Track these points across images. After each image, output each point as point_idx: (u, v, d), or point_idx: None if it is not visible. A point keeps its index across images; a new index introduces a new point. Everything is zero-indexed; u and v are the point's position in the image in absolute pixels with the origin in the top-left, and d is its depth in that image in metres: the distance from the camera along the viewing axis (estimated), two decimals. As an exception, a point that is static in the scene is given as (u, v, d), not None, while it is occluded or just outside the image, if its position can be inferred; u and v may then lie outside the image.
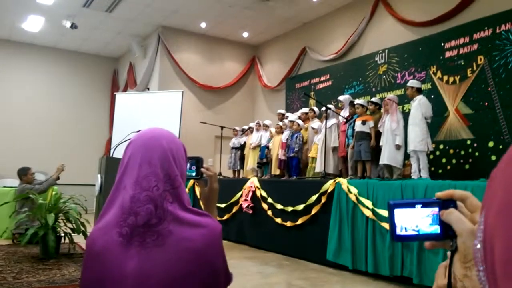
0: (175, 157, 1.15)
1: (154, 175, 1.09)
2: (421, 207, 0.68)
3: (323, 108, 7.14)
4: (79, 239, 5.89)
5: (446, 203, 0.66)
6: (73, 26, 10.63)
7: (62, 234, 5.73)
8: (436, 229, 0.67)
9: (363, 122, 6.30)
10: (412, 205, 0.68)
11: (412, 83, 6.03)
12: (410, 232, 0.68)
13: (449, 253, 0.68)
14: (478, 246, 0.45)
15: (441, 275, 0.71)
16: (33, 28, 11.51)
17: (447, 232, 0.65)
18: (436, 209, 0.67)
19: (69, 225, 5.76)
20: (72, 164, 12.69)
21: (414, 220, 0.68)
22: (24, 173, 6.99)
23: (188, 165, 1.35)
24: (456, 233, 0.63)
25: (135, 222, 1.07)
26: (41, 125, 12.78)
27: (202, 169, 1.38)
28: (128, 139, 1.23)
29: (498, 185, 0.41)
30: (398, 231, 0.68)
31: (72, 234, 5.70)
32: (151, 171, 1.10)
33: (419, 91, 5.93)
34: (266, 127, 8.66)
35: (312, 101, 9.75)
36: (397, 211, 0.68)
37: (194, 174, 1.38)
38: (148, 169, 1.10)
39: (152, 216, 1.07)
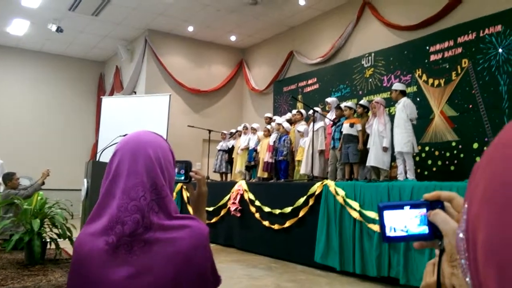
0: (162, 165, 1.14)
1: (142, 185, 1.09)
2: (410, 208, 0.70)
3: (310, 111, 7.18)
4: (65, 245, 5.82)
5: (434, 204, 0.68)
6: (59, 29, 10.53)
7: (48, 240, 5.65)
8: (425, 229, 0.68)
9: (351, 125, 6.35)
10: (400, 206, 0.70)
11: (397, 86, 6.11)
12: (399, 233, 0.70)
13: (437, 251, 0.69)
14: (461, 235, 0.46)
15: (429, 273, 0.72)
16: (18, 32, 11.39)
17: (435, 232, 0.67)
18: (424, 210, 0.68)
19: (55, 230, 5.68)
20: (57, 169, 12.54)
21: (403, 221, 0.70)
22: (9, 178, 6.90)
23: (177, 169, 1.34)
24: (442, 233, 0.65)
25: (122, 231, 1.07)
26: (26, 130, 12.62)
27: (191, 173, 1.38)
28: (115, 143, 1.22)
29: (481, 176, 0.42)
30: (388, 232, 0.70)
31: (58, 240, 5.63)
32: (138, 181, 1.09)
33: (403, 93, 6.01)
34: (254, 130, 8.68)
35: (299, 104, 9.80)
36: (386, 213, 0.70)
37: (182, 178, 1.38)
38: (135, 179, 1.10)
39: (139, 226, 1.08)
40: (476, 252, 0.41)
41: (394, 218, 0.70)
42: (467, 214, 0.44)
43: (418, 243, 0.71)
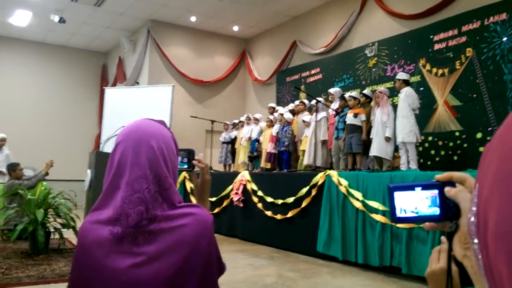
0: (165, 156, 1.13)
1: (145, 177, 1.09)
2: (421, 189, 0.69)
3: (313, 102, 7.15)
4: (69, 235, 5.86)
5: (446, 185, 0.67)
6: (61, 20, 10.51)
7: (52, 230, 5.69)
8: (435, 211, 0.68)
9: (355, 115, 6.32)
10: (411, 187, 0.70)
11: (400, 75, 6.07)
12: (409, 214, 0.70)
13: (443, 238, 0.68)
14: (472, 219, 0.45)
15: (435, 260, 0.72)
16: (20, 23, 11.37)
17: (447, 213, 0.67)
18: (436, 191, 0.68)
19: (59, 220, 5.72)
20: (61, 160, 12.59)
21: (414, 202, 0.69)
22: (13, 169, 6.93)
23: (180, 158, 1.34)
24: (461, 212, 0.64)
25: (127, 223, 1.08)
26: (29, 121, 12.66)
27: (194, 161, 1.37)
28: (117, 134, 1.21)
29: (492, 157, 0.41)
30: (398, 213, 0.70)
31: (62, 230, 5.67)
32: (141, 174, 1.09)
33: (406, 83, 5.97)
34: (257, 120, 8.66)
35: (302, 95, 9.76)
36: (396, 194, 0.70)
37: (186, 166, 1.37)
38: (138, 171, 1.09)
39: (143, 218, 1.08)
40: (487, 237, 0.40)
41: (404, 199, 0.70)
42: (478, 197, 0.43)
43: (428, 224, 0.70)
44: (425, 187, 0.69)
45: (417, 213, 0.69)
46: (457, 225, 0.65)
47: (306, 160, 7.05)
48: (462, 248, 0.63)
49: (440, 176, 0.69)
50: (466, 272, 0.62)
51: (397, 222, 0.72)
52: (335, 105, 7.08)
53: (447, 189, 0.67)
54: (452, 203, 0.66)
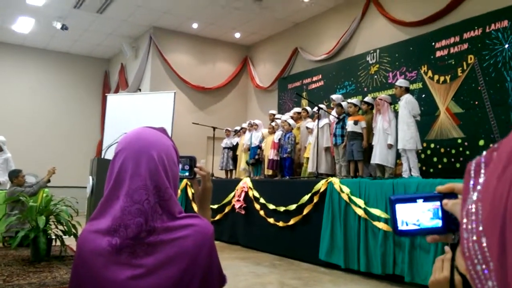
0: (166, 166, 1.12)
1: (145, 188, 1.08)
2: (423, 201, 0.68)
3: (315, 108, 7.16)
4: (70, 242, 5.84)
5: (448, 197, 0.66)
6: (64, 27, 10.55)
7: (53, 237, 5.68)
8: (437, 223, 0.67)
9: (355, 122, 6.32)
10: (413, 200, 0.69)
11: (400, 82, 6.07)
12: (411, 227, 0.69)
13: (447, 247, 0.67)
14: (472, 207, 0.42)
15: (438, 269, 0.71)
16: (23, 30, 11.42)
17: (449, 225, 0.66)
18: (438, 203, 0.67)
19: (60, 227, 5.70)
20: (63, 166, 12.60)
21: (415, 215, 0.68)
22: (15, 176, 6.93)
23: (181, 165, 1.33)
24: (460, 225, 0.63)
25: (125, 234, 1.07)
26: (31, 127, 12.68)
27: (195, 169, 1.36)
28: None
29: (505, 148, 0.39)
30: (400, 226, 0.69)
31: (64, 237, 5.65)
32: (141, 184, 1.08)
33: (407, 90, 5.96)
34: (256, 126, 8.65)
35: (304, 101, 9.77)
36: (398, 206, 0.69)
37: (187, 174, 1.36)
38: (138, 182, 1.08)
39: (142, 230, 1.07)
40: (506, 225, 0.37)
41: (406, 212, 0.69)
42: (484, 185, 0.40)
43: (431, 237, 0.69)
44: (427, 199, 0.68)
45: (419, 225, 0.68)
46: (459, 237, 0.64)
47: (310, 167, 7.03)
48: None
49: (442, 187, 0.67)
50: (469, 283, 0.62)
51: (400, 235, 0.70)
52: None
53: (444, 201, 0.66)
54: (454, 215, 0.65)
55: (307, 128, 7.47)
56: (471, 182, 0.44)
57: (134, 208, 1.07)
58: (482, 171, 0.42)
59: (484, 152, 0.44)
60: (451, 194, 0.66)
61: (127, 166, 1.10)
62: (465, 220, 0.43)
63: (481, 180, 0.42)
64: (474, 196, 0.43)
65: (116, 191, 1.10)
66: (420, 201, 0.68)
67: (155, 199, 1.09)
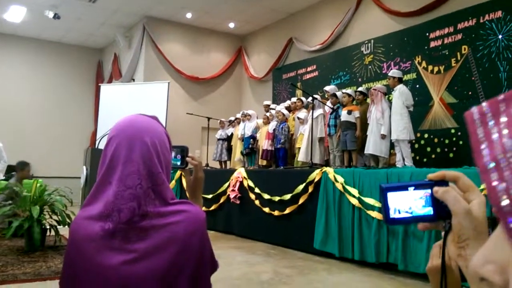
0: (159, 152, 1.13)
1: (138, 173, 1.08)
2: (414, 189, 0.68)
3: (310, 99, 7.16)
4: (64, 231, 5.82)
5: (439, 185, 0.66)
6: (56, 16, 10.44)
7: (48, 227, 5.67)
8: (429, 210, 0.67)
9: (349, 112, 6.33)
10: (404, 187, 0.68)
11: (393, 73, 6.08)
12: (403, 215, 0.68)
13: (443, 233, 0.68)
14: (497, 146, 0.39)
15: (436, 255, 0.71)
16: (15, 19, 11.28)
17: (440, 213, 0.66)
18: (429, 191, 0.67)
19: (55, 217, 5.70)
20: (56, 157, 12.58)
21: (407, 203, 0.68)
22: (22, 168, 6.85)
23: (173, 154, 1.33)
24: (451, 212, 0.63)
25: (118, 219, 1.07)
26: (24, 117, 12.58)
27: (187, 159, 1.37)
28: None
29: None
30: (392, 214, 0.68)
31: (58, 226, 5.65)
32: (134, 169, 1.08)
33: (400, 80, 5.98)
34: (249, 116, 8.64)
35: (299, 92, 9.76)
36: (390, 195, 0.69)
37: (179, 163, 1.37)
38: (131, 167, 1.09)
39: (135, 214, 1.07)
40: None
41: (398, 200, 0.68)
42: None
43: (422, 225, 0.69)
44: (418, 186, 0.68)
45: (411, 213, 0.68)
46: (450, 224, 0.64)
47: (301, 157, 7.05)
48: (456, 248, 0.62)
49: (433, 175, 0.67)
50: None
51: (390, 224, 0.70)
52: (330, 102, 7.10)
53: (435, 189, 0.65)
54: (444, 202, 0.65)
55: (298, 118, 7.48)
56: (480, 129, 0.41)
57: (127, 193, 1.07)
58: (503, 110, 0.39)
59: (483, 103, 0.42)
60: (442, 182, 0.66)
61: (120, 152, 1.10)
62: (492, 165, 0.39)
63: (503, 119, 0.39)
64: (495, 136, 0.39)
65: (109, 177, 1.10)
66: (411, 189, 0.68)
67: (148, 184, 1.09)
